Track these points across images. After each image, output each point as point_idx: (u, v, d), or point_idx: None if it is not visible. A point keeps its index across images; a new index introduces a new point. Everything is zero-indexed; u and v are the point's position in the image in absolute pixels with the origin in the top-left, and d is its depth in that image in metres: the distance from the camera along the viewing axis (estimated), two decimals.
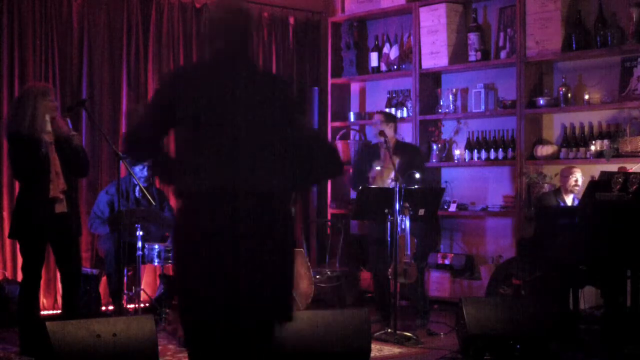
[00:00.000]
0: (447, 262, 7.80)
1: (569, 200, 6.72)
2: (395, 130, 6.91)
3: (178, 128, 3.26)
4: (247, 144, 3.19)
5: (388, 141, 6.63)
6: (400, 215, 6.20)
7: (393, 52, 8.41)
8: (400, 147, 6.84)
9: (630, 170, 5.85)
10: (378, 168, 6.70)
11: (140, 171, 6.83)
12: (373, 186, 6.51)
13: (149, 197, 6.51)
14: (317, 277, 7.20)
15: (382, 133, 6.62)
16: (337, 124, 8.74)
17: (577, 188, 6.70)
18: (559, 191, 6.79)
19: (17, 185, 5.81)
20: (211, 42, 3.37)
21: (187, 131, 3.23)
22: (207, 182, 3.18)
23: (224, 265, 3.18)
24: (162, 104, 3.30)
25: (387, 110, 8.30)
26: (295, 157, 3.30)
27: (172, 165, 3.31)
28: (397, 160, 6.48)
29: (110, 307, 6.94)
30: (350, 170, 7.27)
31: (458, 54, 7.87)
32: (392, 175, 6.45)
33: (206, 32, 3.41)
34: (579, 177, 6.71)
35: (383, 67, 8.48)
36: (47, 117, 5.39)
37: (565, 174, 6.77)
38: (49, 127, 5.39)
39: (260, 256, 3.20)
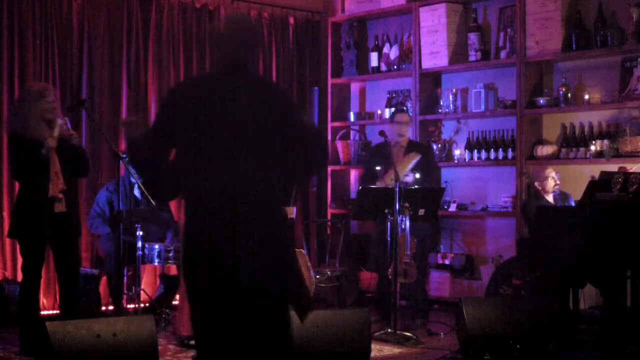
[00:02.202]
0: (447, 262, 7.80)
1: (550, 199, 6.79)
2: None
3: (179, 139, 3.36)
4: (244, 150, 3.29)
5: (401, 141, 6.72)
6: (400, 215, 6.19)
7: (393, 52, 8.41)
8: (413, 147, 6.85)
9: (630, 170, 5.85)
10: (391, 180, 6.62)
11: None
12: (373, 186, 6.51)
13: (148, 196, 6.51)
14: (317, 277, 7.19)
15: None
16: (337, 124, 8.74)
17: (557, 187, 6.79)
18: (538, 195, 6.81)
19: (17, 185, 5.81)
20: (216, 54, 3.52)
21: (187, 140, 3.33)
22: (205, 188, 3.28)
23: (225, 266, 3.26)
24: (163, 118, 3.44)
25: (386, 110, 8.31)
26: (291, 158, 3.40)
27: (169, 181, 3.44)
28: (415, 159, 6.54)
29: (110, 307, 6.94)
30: (361, 171, 7.26)
31: (458, 54, 7.87)
32: (408, 170, 6.50)
33: (213, 44, 3.56)
34: (555, 177, 6.78)
35: (383, 67, 8.48)
36: (49, 118, 5.40)
37: (542, 179, 6.82)
38: (56, 132, 5.41)
39: (259, 257, 3.27)
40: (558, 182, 6.81)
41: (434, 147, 7.96)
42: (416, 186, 6.48)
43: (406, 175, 6.55)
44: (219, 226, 3.25)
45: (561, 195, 6.85)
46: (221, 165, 3.28)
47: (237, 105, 3.31)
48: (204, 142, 3.30)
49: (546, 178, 6.79)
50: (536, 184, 6.91)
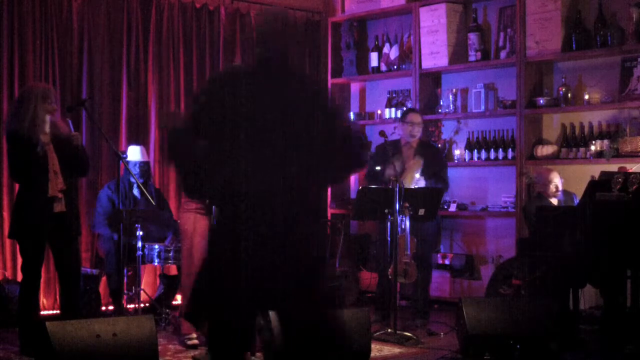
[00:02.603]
0: (447, 262, 7.80)
1: (554, 202, 6.75)
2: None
3: (208, 135, 3.36)
4: (272, 148, 3.30)
5: (412, 141, 6.71)
6: (400, 215, 6.19)
7: (393, 52, 8.41)
8: (424, 147, 6.83)
9: (630, 170, 5.85)
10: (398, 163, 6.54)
11: (134, 167, 6.82)
12: (373, 186, 6.51)
13: (148, 196, 6.51)
14: None
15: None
16: None
17: (559, 193, 6.74)
18: (541, 196, 6.78)
19: (16, 185, 5.81)
20: (256, 48, 3.52)
21: (215, 136, 3.34)
22: (234, 185, 3.30)
23: (250, 265, 3.29)
24: (198, 109, 3.44)
25: (386, 110, 8.31)
26: (325, 156, 3.40)
27: (201, 175, 3.42)
28: (419, 165, 6.51)
29: (110, 307, 6.94)
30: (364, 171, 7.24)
31: (458, 54, 7.87)
32: (416, 177, 6.50)
33: (252, 39, 3.58)
34: (558, 183, 6.73)
35: (383, 67, 8.48)
36: (47, 119, 5.41)
37: (544, 182, 6.76)
38: (46, 128, 5.42)
39: (285, 256, 3.31)
40: (561, 188, 6.76)
41: None
42: (416, 186, 6.48)
43: (416, 181, 6.56)
44: (244, 223, 3.28)
45: (565, 194, 6.82)
46: (247, 163, 3.28)
47: (264, 103, 3.32)
48: (231, 139, 3.30)
49: (549, 182, 6.73)
50: (537, 186, 6.89)
